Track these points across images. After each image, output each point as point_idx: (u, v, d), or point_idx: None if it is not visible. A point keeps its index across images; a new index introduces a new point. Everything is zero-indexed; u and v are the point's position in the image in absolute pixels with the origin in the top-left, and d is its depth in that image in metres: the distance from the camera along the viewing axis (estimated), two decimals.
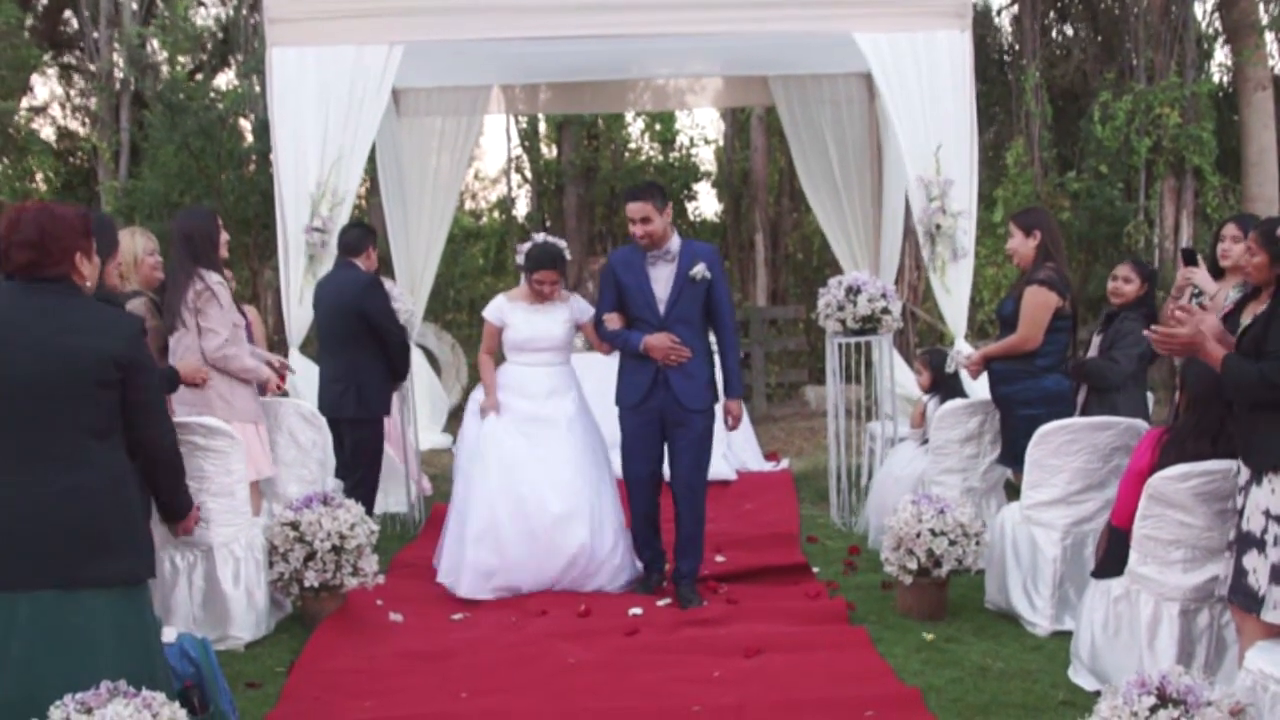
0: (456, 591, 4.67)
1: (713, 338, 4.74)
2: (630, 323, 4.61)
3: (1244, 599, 2.93)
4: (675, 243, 4.59)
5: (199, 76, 11.19)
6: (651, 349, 4.51)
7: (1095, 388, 4.54)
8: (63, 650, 2.56)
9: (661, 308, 4.53)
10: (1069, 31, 11.63)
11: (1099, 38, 11.04)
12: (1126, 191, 9.96)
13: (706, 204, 12.84)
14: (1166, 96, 9.59)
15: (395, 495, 6.31)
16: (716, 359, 4.71)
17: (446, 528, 4.95)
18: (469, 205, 12.57)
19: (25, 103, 11.18)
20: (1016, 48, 11.12)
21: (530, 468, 4.69)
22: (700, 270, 4.51)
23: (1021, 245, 4.81)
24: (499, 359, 5.02)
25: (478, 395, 5.02)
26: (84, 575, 2.60)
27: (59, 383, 2.61)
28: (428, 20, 6.23)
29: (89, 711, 2.39)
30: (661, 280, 4.55)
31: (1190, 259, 4.35)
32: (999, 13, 11.72)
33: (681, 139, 12.14)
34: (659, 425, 4.58)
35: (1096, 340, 4.64)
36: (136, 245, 4.35)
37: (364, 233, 5.70)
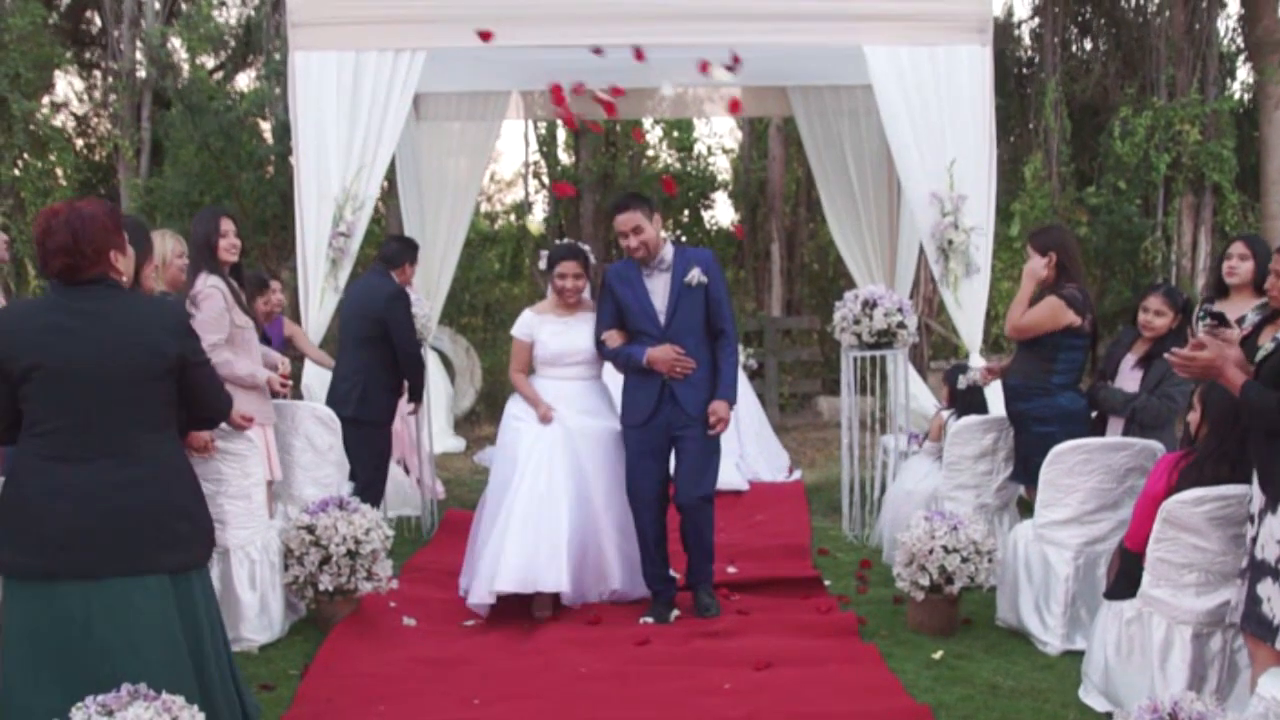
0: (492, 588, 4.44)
1: None
2: (632, 337, 4.51)
3: (1258, 627, 2.92)
4: (668, 251, 4.49)
5: (219, 76, 11.28)
6: (655, 362, 4.40)
7: (1147, 425, 4.38)
8: (137, 633, 2.66)
9: (662, 319, 4.44)
10: (1090, 45, 11.61)
11: (1120, 52, 11.02)
12: (1144, 207, 9.94)
13: (723, 213, 12.88)
14: (1187, 113, 9.57)
15: (408, 500, 6.35)
16: None
17: (475, 542, 4.75)
18: (484, 208, 12.62)
19: (46, 99, 11.28)
20: (1036, 60, 11.10)
21: (579, 482, 4.57)
22: (695, 275, 4.41)
23: (1038, 265, 4.78)
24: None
25: (513, 408, 4.78)
26: (149, 563, 2.70)
27: (116, 381, 2.68)
28: (450, 28, 6.26)
29: (110, 714, 2.42)
30: (659, 292, 4.45)
31: (1223, 322, 4.29)
32: (1020, 25, 11.71)
33: (699, 148, 12.16)
34: (665, 441, 4.48)
35: (1136, 374, 4.49)
36: (166, 247, 4.39)
37: (404, 247, 5.79)
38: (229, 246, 4.48)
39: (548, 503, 4.49)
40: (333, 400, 5.44)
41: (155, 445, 2.75)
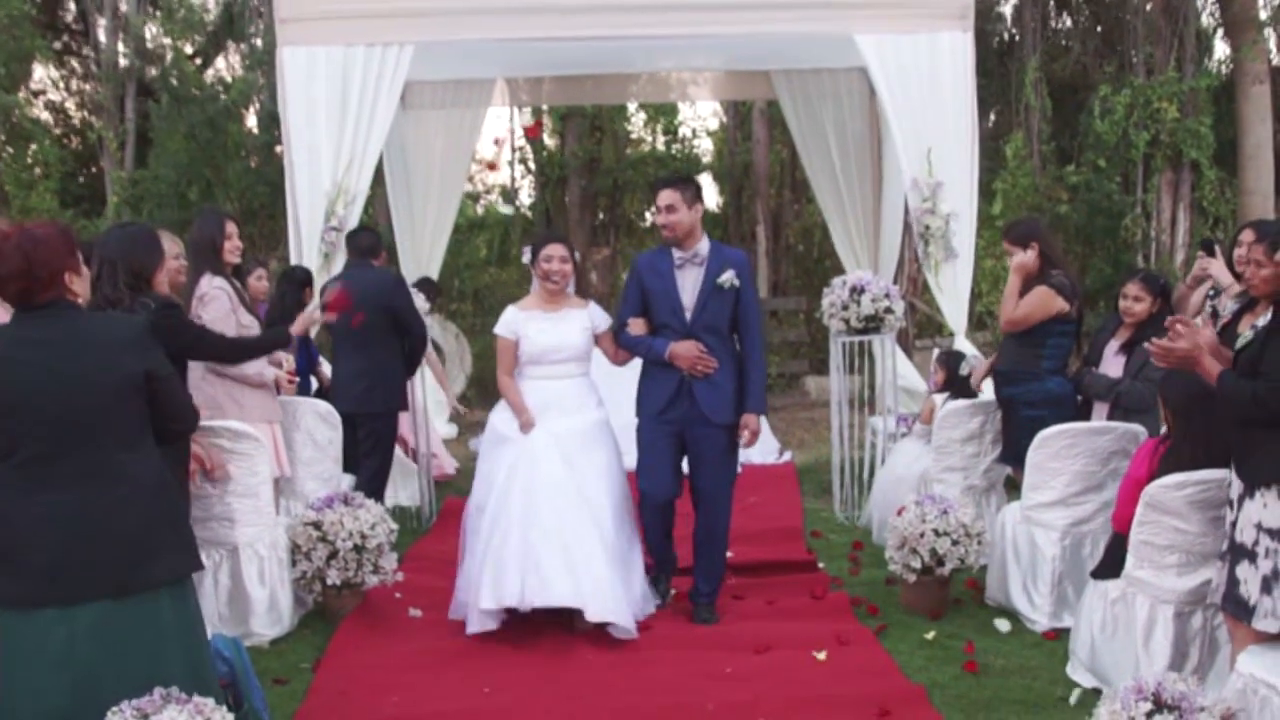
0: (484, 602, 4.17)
1: None
2: (655, 330, 4.41)
3: (1236, 607, 3.06)
4: (704, 246, 4.37)
5: (199, 61, 11.20)
6: (677, 357, 4.31)
7: (1130, 409, 4.48)
8: (122, 655, 2.66)
9: (688, 314, 4.32)
10: (1069, 23, 11.69)
11: (1099, 30, 11.11)
12: (1124, 185, 10.07)
13: (707, 195, 12.94)
14: (1165, 91, 9.69)
15: (407, 489, 6.43)
16: None
17: (465, 568, 4.43)
18: (466, 188, 12.62)
19: (21, 92, 11.18)
20: (1017, 38, 11.18)
21: (565, 491, 4.25)
22: (729, 278, 4.31)
23: (1029, 258, 4.86)
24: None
25: (495, 420, 4.50)
26: (135, 581, 2.69)
27: (82, 406, 2.65)
28: (438, 21, 6.31)
29: (145, 717, 2.50)
30: (689, 286, 4.34)
31: (1209, 250, 4.40)
32: (1000, 2, 11.77)
33: (683, 130, 12.20)
34: (679, 438, 4.38)
35: (1119, 359, 4.60)
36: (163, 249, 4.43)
37: (376, 236, 5.85)
38: (233, 249, 4.55)
39: (530, 519, 4.19)
40: (350, 401, 5.40)
41: (133, 463, 2.71)
